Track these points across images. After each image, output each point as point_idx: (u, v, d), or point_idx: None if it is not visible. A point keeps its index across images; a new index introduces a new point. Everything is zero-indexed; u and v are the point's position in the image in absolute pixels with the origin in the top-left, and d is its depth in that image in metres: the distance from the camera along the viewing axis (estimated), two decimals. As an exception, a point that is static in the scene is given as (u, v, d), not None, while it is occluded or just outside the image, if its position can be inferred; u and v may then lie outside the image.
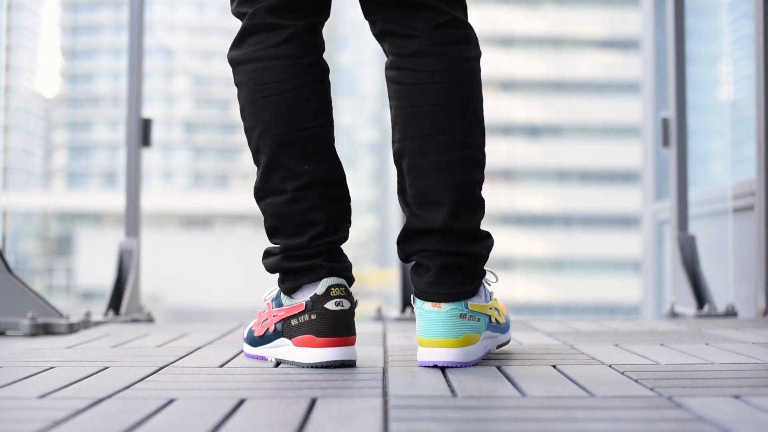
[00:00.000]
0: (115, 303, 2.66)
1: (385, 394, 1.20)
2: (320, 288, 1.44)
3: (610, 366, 1.45)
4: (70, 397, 1.18)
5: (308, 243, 1.46)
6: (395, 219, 3.01)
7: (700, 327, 2.19)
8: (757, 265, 2.77)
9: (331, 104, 1.52)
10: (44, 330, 2.20)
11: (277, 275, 1.52)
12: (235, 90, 1.52)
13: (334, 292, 1.44)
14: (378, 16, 1.50)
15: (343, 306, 1.44)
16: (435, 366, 1.43)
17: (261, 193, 1.50)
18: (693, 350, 1.67)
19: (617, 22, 35.92)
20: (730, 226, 3.21)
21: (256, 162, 1.51)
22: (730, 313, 2.66)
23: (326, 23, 1.55)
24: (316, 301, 1.44)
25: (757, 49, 2.81)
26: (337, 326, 1.43)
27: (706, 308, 2.70)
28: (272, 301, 1.52)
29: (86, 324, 2.35)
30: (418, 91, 1.45)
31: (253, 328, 1.57)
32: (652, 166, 4.66)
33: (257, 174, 1.50)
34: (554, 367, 1.44)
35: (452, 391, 1.20)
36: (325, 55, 1.55)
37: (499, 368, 1.43)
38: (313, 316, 1.44)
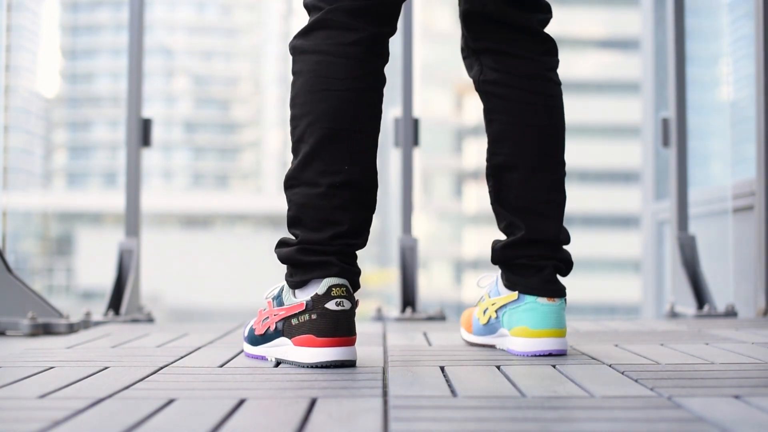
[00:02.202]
0: (115, 303, 2.66)
1: (385, 394, 1.20)
2: (321, 288, 1.44)
3: (610, 366, 1.45)
4: (70, 397, 1.18)
5: (328, 240, 1.46)
6: (395, 219, 3.02)
7: (700, 327, 2.19)
8: (757, 265, 2.77)
9: (381, 116, 1.53)
10: (44, 330, 2.20)
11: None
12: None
13: (335, 292, 1.44)
14: (487, 36, 1.64)
15: (343, 306, 1.44)
16: (549, 354, 1.58)
17: (292, 182, 1.49)
18: (693, 350, 1.67)
19: (617, 22, 35.91)
20: (730, 226, 3.21)
21: (296, 150, 1.50)
22: (730, 313, 2.66)
23: None
24: (317, 301, 1.44)
25: (757, 49, 2.81)
26: (338, 326, 1.44)
27: (706, 308, 2.70)
28: (273, 299, 1.52)
29: (86, 324, 2.35)
30: (531, 111, 1.63)
31: (254, 327, 1.57)
32: (652, 166, 4.67)
33: (293, 162, 1.50)
34: (554, 367, 1.45)
35: (452, 391, 1.20)
36: None
37: (499, 368, 1.43)
38: (314, 316, 1.44)
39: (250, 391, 1.22)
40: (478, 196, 35.95)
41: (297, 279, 1.48)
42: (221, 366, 1.49)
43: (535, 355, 1.59)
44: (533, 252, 1.63)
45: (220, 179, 45.74)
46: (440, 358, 1.58)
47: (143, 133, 2.86)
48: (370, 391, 1.22)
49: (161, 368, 1.45)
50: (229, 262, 37.81)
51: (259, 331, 1.54)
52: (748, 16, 3.18)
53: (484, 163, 1.68)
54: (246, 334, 1.61)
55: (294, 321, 1.46)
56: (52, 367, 1.47)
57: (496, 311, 1.68)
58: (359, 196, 1.48)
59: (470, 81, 1.72)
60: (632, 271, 33.59)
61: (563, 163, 1.66)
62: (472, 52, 1.68)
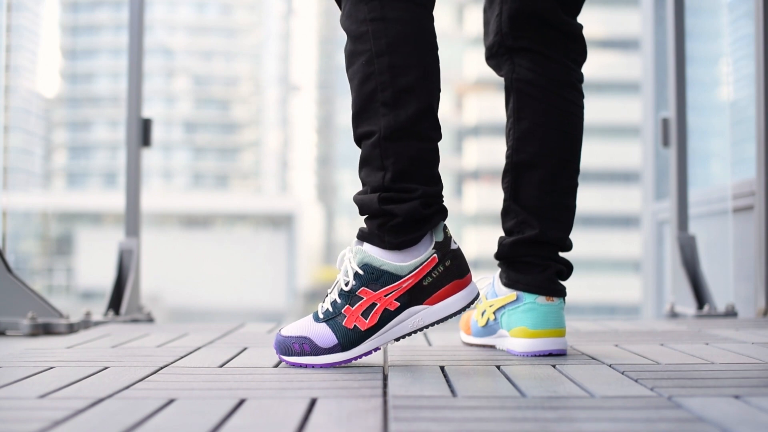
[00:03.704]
0: (115, 303, 2.66)
1: (385, 394, 1.20)
2: (438, 234, 1.44)
3: (610, 366, 1.45)
4: (70, 397, 1.18)
5: (440, 193, 1.47)
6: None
7: (700, 327, 2.19)
8: (757, 265, 2.77)
9: None
10: (44, 330, 2.20)
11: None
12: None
13: (447, 232, 1.46)
14: (528, 34, 1.66)
15: (457, 244, 1.47)
16: (549, 354, 1.59)
17: (401, 133, 1.42)
18: (693, 350, 1.67)
19: (617, 22, 35.94)
20: (730, 226, 3.21)
21: (400, 102, 1.42)
22: (730, 313, 2.66)
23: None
24: (442, 248, 1.44)
25: (757, 49, 2.81)
26: (466, 262, 1.46)
27: (706, 308, 2.70)
28: (367, 285, 1.42)
29: (86, 324, 2.35)
30: (560, 115, 1.66)
31: (350, 326, 1.42)
32: (652, 166, 4.66)
33: (399, 114, 1.41)
34: (554, 367, 1.45)
35: (452, 391, 1.20)
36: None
37: (498, 368, 1.43)
38: (448, 263, 1.43)
39: (250, 391, 1.22)
40: (478, 196, 35.96)
41: (411, 236, 1.42)
42: (221, 366, 1.49)
43: (535, 355, 1.59)
44: (542, 252, 1.65)
45: (220, 179, 45.74)
46: (440, 358, 1.58)
47: (143, 133, 2.86)
48: (370, 391, 1.22)
49: (161, 368, 1.45)
50: (229, 262, 37.82)
51: (367, 325, 1.42)
52: (748, 16, 3.18)
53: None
54: (319, 344, 1.44)
55: (427, 280, 1.43)
56: (52, 367, 1.47)
57: (494, 313, 1.68)
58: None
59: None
60: (632, 271, 33.60)
61: (578, 172, 1.70)
62: (507, 50, 1.69)
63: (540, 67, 1.67)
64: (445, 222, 1.47)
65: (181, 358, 1.60)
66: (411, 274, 1.42)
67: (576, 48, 1.70)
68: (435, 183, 1.46)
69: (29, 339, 2.10)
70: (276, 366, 1.48)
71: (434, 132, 1.46)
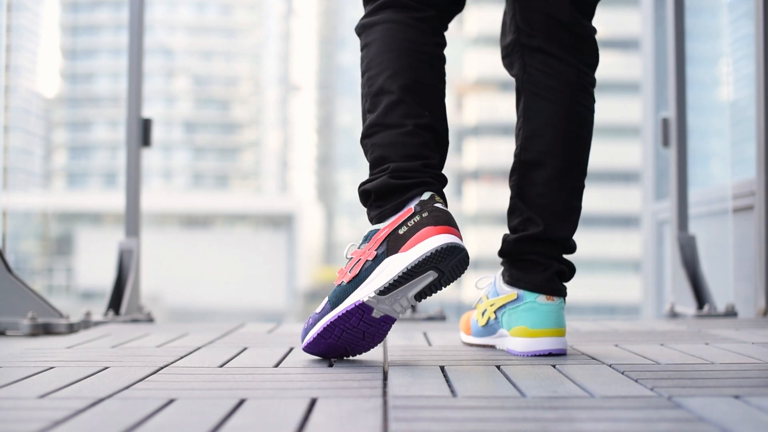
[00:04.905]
0: (115, 303, 2.66)
1: (385, 394, 1.20)
2: (425, 196, 1.47)
3: (610, 366, 1.45)
4: (70, 397, 1.18)
5: (421, 167, 1.50)
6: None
7: (700, 327, 2.19)
8: (757, 265, 2.77)
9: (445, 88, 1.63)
10: (44, 330, 2.20)
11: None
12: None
13: (438, 199, 1.48)
14: (541, 33, 1.68)
15: (448, 209, 1.48)
16: (549, 354, 1.59)
17: (375, 128, 1.53)
18: (693, 350, 1.67)
19: (617, 22, 35.92)
20: (730, 226, 3.21)
21: (375, 103, 1.54)
22: (730, 313, 2.66)
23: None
24: (424, 204, 1.46)
25: (757, 49, 2.81)
26: (450, 220, 1.45)
27: (706, 308, 2.70)
28: (360, 246, 1.50)
29: (86, 324, 2.35)
30: (569, 118, 1.69)
31: (338, 284, 1.50)
32: (652, 166, 4.66)
33: (373, 114, 1.54)
34: (554, 367, 1.45)
35: (452, 391, 1.20)
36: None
37: (499, 368, 1.43)
38: (425, 214, 1.45)
39: (250, 391, 1.22)
40: (478, 196, 35.95)
41: (393, 203, 1.48)
42: (221, 366, 1.49)
43: (535, 355, 1.59)
44: (545, 250, 1.66)
45: (220, 179, 45.74)
46: (440, 358, 1.58)
47: (143, 133, 2.86)
48: (370, 391, 1.22)
49: (161, 368, 1.46)
50: (229, 262, 37.81)
51: (350, 277, 1.48)
52: (748, 16, 3.18)
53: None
54: (318, 312, 1.52)
55: (402, 230, 1.45)
56: (52, 367, 1.47)
57: (494, 312, 1.68)
58: (440, 141, 1.54)
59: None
60: (632, 271, 33.62)
61: (585, 175, 1.71)
62: (521, 48, 1.71)
63: (551, 69, 1.69)
64: (436, 194, 1.49)
65: (181, 358, 1.60)
66: (387, 224, 1.48)
67: (588, 51, 1.72)
68: (413, 159, 1.50)
69: (29, 339, 2.10)
70: (276, 366, 1.49)
71: (407, 118, 1.51)
